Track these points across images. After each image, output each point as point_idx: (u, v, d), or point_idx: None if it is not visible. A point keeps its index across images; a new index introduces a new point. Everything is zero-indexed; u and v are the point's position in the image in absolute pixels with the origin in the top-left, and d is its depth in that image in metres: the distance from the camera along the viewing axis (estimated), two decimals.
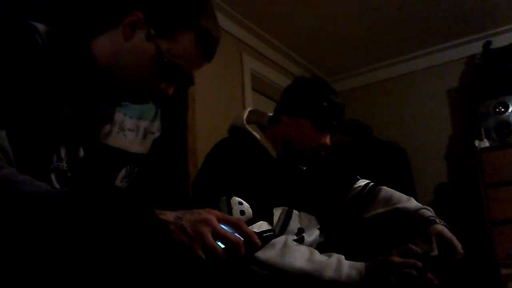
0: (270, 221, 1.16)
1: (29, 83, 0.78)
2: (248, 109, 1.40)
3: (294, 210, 1.27)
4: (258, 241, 0.75)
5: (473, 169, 2.53)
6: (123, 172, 0.98)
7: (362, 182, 1.44)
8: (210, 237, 0.69)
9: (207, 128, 2.09)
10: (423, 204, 1.29)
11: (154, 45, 0.85)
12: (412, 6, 2.56)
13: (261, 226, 1.10)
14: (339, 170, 1.48)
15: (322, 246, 1.30)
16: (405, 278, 1.00)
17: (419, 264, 1.01)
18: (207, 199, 1.16)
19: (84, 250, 0.56)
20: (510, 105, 2.53)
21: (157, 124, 1.09)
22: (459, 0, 2.53)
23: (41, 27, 0.84)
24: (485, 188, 2.39)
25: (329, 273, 1.03)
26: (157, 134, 1.09)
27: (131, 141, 1.00)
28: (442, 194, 2.98)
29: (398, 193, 1.37)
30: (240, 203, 1.10)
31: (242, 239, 0.73)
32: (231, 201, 1.11)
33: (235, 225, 0.74)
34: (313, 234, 1.31)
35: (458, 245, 1.14)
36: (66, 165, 0.85)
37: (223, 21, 2.43)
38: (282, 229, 1.23)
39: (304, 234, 1.28)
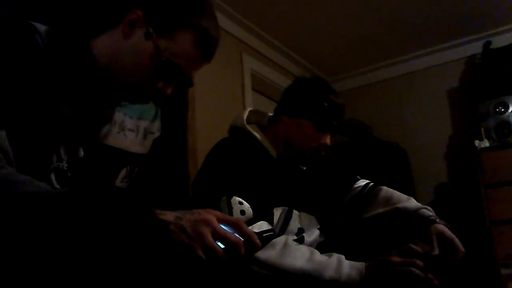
0: (270, 221, 1.16)
1: (29, 83, 0.78)
2: (248, 109, 1.40)
3: (294, 210, 1.27)
4: (258, 241, 0.75)
5: (473, 169, 2.53)
6: (123, 172, 0.98)
7: (362, 182, 1.44)
8: (210, 237, 0.69)
9: (207, 128, 2.09)
10: (423, 204, 1.29)
11: (152, 44, 0.84)
12: (412, 6, 2.56)
13: (261, 226, 1.10)
14: (339, 170, 1.48)
15: (322, 246, 1.30)
16: (405, 277, 0.99)
17: (420, 263, 1.01)
18: (208, 199, 1.16)
19: (84, 250, 0.56)
20: (510, 105, 2.53)
21: (157, 124, 1.09)
22: (459, 0, 2.53)
23: (41, 27, 0.84)
24: (485, 188, 2.39)
25: (329, 273, 1.03)
26: (157, 134, 1.09)
27: (131, 141, 1.00)
28: (442, 194, 2.98)
29: (398, 193, 1.37)
30: (241, 203, 1.10)
31: (242, 239, 0.73)
32: (231, 201, 1.11)
33: (235, 225, 0.74)
34: (313, 234, 1.31)
35: (459, 244, 1.14)
36: (66, 165, 0.85)
37: (223, 21, 2.43)
38: (282, 229, 1.23)
39: (304, 234, 1.28)
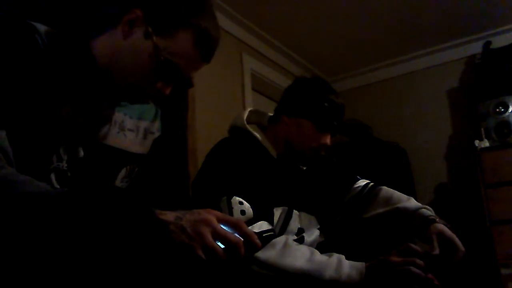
0: (270, 221, 1.16)
1: (29, 83, 0.78)
2: (249, 109, 1.40)
3: (294, 210, 1.27)
4: (258, 241, 0.75)
5: (473, 169, 2.53)
6: (123, 172, 0.98)
7: (362, 182, 1.44)
8: (210, 237, 0.69)
9: (207, 128, 2.09)
10: (423, 204, 1.29)
11: (152, 43, 0.84)
12: (412, 6, 2.56)
13: (262, 226, 1.10)
14: (339, 170, 1.48)
15: (322, 246, 1.30)
16: (405, 277, 0.99)
17: (420, 262, 1.01)
18: (208, 199, 1.16)
19: (84, 250, 0.56)
20: (510, 105, 2.53)
21: (157, 124, 1.09)
22: (459, 0, 2.53)
23: (41, 27, 0.84)
24: (485, 188, 2.39)
25: (330, 273, 1.03)
26: (157, 134, 1.08)
27: (131, 141, 1.00)
28: (442, 194, 2.98)
29: (398, 193, 1.37)
30: (241, 203, 1.10)
31: (242, 239, 0.73)
32: (231, 201, 1.11)
33: (235, 226, 0.74)
34: (313, 234, 1.31)
35: (459, 244, 1.14)
36: (66, 165, 0.85)
37: (223, 21, 2.43)
38: (282, 229, 1.23)
39: (304, 234, 1.28)
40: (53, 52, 0.82)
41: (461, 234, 1.18)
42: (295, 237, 1.25)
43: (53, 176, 0.83)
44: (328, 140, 1.31)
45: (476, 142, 2.52)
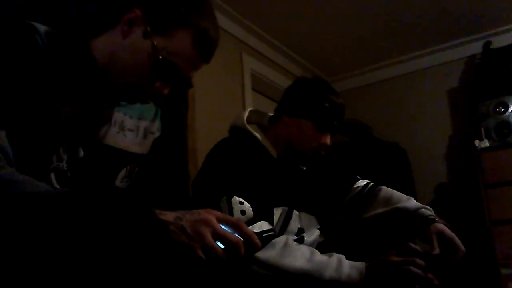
0: (270, 221, 1.16)
1: (29, 83, 0.78)
2: (249, 109, 1.40)
3: (294, 210, 1.27)
4: (258, 241, 0.75)
5: (473, 169, 2.53)
6: (123, 172, 0.98)
7: (362, 182, 1.44)
8: (210, 238, 0.69)
9: (207, 128, 2.09)
10: (423, 204, 1.29)
11: (150, 43, 0.84)
12: (412, 6, 2.56)
13: (262, 226, 1.10)
14: (339, 170, 1.48)
15: (322, 246, 1.30)
16: (405, 276, 0.99)
17: (420, 262, 1.01)
18: (208, 199, 1.16)
19: (84, 250, 0.56)
20: (510, 105, 2.53)
21: (157, 124, 1.09)
22: (459, 0, 2.53)
23: (41, 27, 0.84)
24: (485, 188, 2.39)
25: (330, 273, 1.03)
26: (157, 134, 1.08)
27: (131, 141, 1.00)
28: (442, 194, 2.98)
29: (398, 193, 1.37)
30: (241, 203, 1.10)
31: (242, 239, 0.73)
32: (231, 200, 1.11)
33: (235, 226, 0.74)
34: (313, 234, 1.31)
35: (459, 243, 1.14)
36: (66, 165, 0.85)
37: (223, 21, 2.43)
38: (282, 229, 1.23)
39: (304, 234, 1.28)
40: (53, 52, 0.82)
41: (461, 234, 1.18)
42: (295, 237, 1.25)
43: (53, 176, 0.83)
44: (328, 140, 1.31)
45: (476, 142, 2.51)
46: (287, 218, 1.25)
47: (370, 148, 2.91)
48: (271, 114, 1.40)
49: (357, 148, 2.92)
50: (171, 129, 1.29)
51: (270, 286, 1.05)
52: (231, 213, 1.09)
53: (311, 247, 1.14)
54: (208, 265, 0.67)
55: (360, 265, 1.05)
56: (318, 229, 1.34)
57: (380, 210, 1.35)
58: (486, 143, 2.50)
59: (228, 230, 0.72)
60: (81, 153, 0.87)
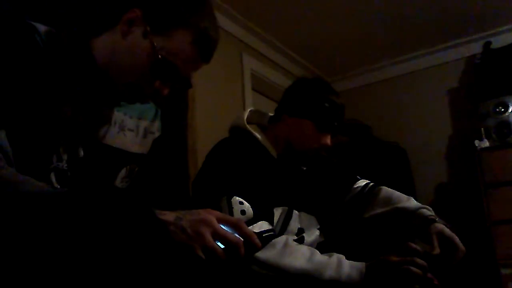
0: (270, 221, 1.16)
1: (29, 83, 0.78)
2: (249, 109, 1.40)
3: (294, 210, 1.27)
4: (258, 241, 0.75)
5: (473, 169, 2.53)
6: (123, 172, 0.98)
7: (362, 182, 1.44)
8: (209, 238, 0.69)
9: (207, 128, 2.09)
10: (423, 204, 1.29)
11: (150, 42, 0.84)
12: (412, 6, 2.56)
13: (262, 226, 1.10)
14: (339, 170, 1.48)
15: (322, 246, 1.30)
16: (405, 276, 0.99)
17: (420, 261, 1.01)
18: (208, 199, 1.16)
19: (84, 250, 0.56)
20: (510, 105, 2.53)
21: (157, 124, 1.09)
22: (459, 0, 2.53)
23: (41, 27, 0.84)
24: (485, 188, 2.39)
25: (330, 273, 1.03)
26: (157, 134, 1.08)
27: (131, 141, 1.00)
28: (442, 194, 2.98)
29: (398, 193, 1.37)
30: (241, 203, 1.10)
31: (242, 239, 0.72)
32: (231, 200, 1.11)
33: (235, 226, 0.74)
34: (313, 234, 1.31)
35: (459, 243, 1.14)
36: (66, 165, 0.85)
37: (223, 21, 2.43)
38: (282, 229, 1.23)
39: (304, 234, 1.28)
40: (53, 52, 0.82)
41: (461, 234, 1.18)
42: (295, 237, 1.25)
43: (53, 176, 0.83)
44: (328, 140, 1.31)
45: (476, 142, 2.51)
46: (287, 218, 1.25)
47: (370, 148, 2.91)
48: (271, 114, 1.40)
49: (357, 148, 2.92)
50: (171, 129, 1.29)
51: (270, 286, 1.05)
52: (231, 213, 1.09)
53: (311, 247, 1.14)
54: (208, 265, 0.67)
55: (360, 265, 1.05)
56: (318, 229, 1.34)
57: (380, 210, 1.35)
58: (486, 143, 2.50)
59: (228, 230, 0.72)
60: (81, 153, 0.87)
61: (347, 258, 1.07)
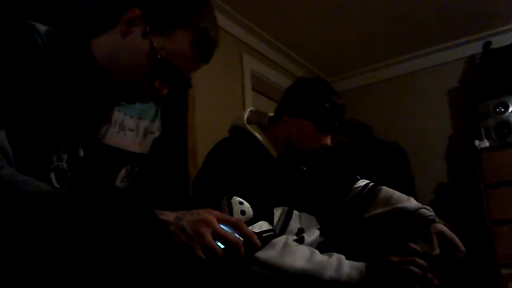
0: (270, 221, 1.16)
1: (29, 83, 0.78)
2: (249, 109, 1.40)
3: (294, 210, 1.27)
4: (258, 241, 0.75)
5: (473, 169, 2.53)
6: (123, 172, 0.98)
7: (362, 182, 1.44)
8: (209, 238, 0.69)
9: (207, 128, 2.09)
10: (423, 204, 1.29)
11: (149, 42, 0.84)
12: (412, 6, 2.56)
13: (262, 226, 1.10)
14: (339, 170, 1.48)
15: (322, 246, 1.30)
16: (405, 276, 0.99)
17: (421, 261, 1.01)
18: (208, 199, 1.16)
19: (84, 250, 0.56)
20: (510, 105, 2.53)
21: (157, 124, 1.09)
22: (459, 0, 2.53)
23: (41, 27, 0.84)
24: (485, 188, 2.39)
25: (330, 273, 1.03)
26: (157, 134, 1.08)
27: (131, 140, 1.00)
28: (442, 194, 2.98)
29: (398, 193, 1.37)
30: (241, 203, 1.10)
31: (242, 239, 0.73)
32: (231, 200, 1.11)
33: (235, 226, 0.74)
34: (313, 234, 1.31)
35: (459, 243, 1.14)
36: (66, 164, 0.85)
37: (223, 21, 2.43)
38: (282, 229, 1.23)
39: (304, 234, 1.28)
40: (53, 52, 0.82)
41: (461, 234, 1.18)
42: (295, 237, 1.25)
43: (53, 176, 0.83)
44: (328, 141, 1.31)
45: (476, 142, 2.51)
46: (287, 218, 1.25)
47: (370, 148, 2.91)
48: (271, 114, 1.40)
49: (357, 148, 2.92)
50: (171, 129, 1.29)
51: (270, 286, 1.05)
52: (231, 213, 1.09)
53: (311, 247, 1.14)
54: (208, 265, 0.67)
55: (360, 265, 1.05)
56: (318, 229, 1.34)
57: (380, 210, 1.35)
58: (486, 143, 2.50)
59: (228, 230, 0.72)
60: (81, 153, 0.87)
61: (347, 258, 1.07)
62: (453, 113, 3.05)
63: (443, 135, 3.05)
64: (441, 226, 1.18)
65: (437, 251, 1.11)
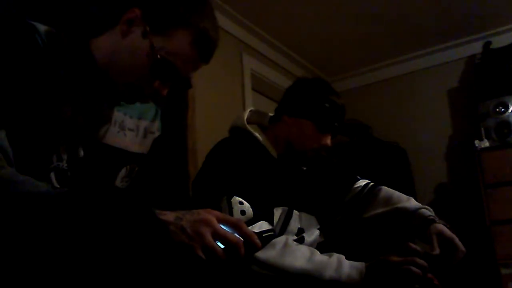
0: (270, 221, 1.16)
1: (29, 83, 0.78)
2: (249, 109, 1.40)
3: (294, 210, 1.27)
4: (258, 241, 0.75)
5: (473, 169, 2.53)
6: (123, 171, 0.98)
7: (362, 182, 1.44)
8: (209, 238, 0.69)
9: (207, 128, 2.09)
10: (423, 204, 1.29)
11: (149, 42, 0.84)
12: (412, 6, 2.56)
13: (262, 226, 1.10)
14: (339, 170, 1.48)
15: (322, 246, 1.30)
16: (405, 276, 1.00)
17: (421, 261, 1.01)
18: (208, 199, 1.16)
19: (84, 250, 0.56)
20: (510, 105, 2.53)
21: (157, 124, 1.09)
22: (459, 0, 2.53)
23: (41, 27, 0.84)
24: (485, 188, 2.39)
25: (330, 273, 1.03)
26: (157, 134, 1.08)
27: (131, 140, 1.00)
28: (442, 194, 2.98)
29: (398, 193, 1.37)
30: (241, 203, 1.10)
31: (242, 239, 0.73)
32: (231, 200, 1.11)
33: (235, 226, 0.74)
34: (313, 234, 1.31)
35: (459, 244, 1.14)
36: (66, 164, 0.85)
37: (223, 21, 2.43)
38: (282, 229, 1.23)
39: (304, 234, 1.28)
40: (53, 52, 0.82)
41: (461, 234, 1.18)
42: (295, 237, 1.25)
43: (53, 176, 0.83)
44: (328, 141, 1.31)
45: (476, 142, 2.51)
46: (287, 218, 1.25)
47: (370, 148, 2.91)
48: (271, 114, 1.40)
49: (357, 148, 2.92)
50: (171, 129, 1.29)
51: (270, 286, 1.05)
52: (231, 213, 1.09)
53: (311, 247, 1.14)
54: (208, 265, 0.67)
55: (360, 265, 1.05)
56: (318, 229, 1.34)
57: (380, 210, 1.35)
58: (486, 143, 2.50)
59: (228, 230, 0.72)
60: (81, 153, 0.87)
61: (347, 258, 1.07)
62: (453, 113, 3.05)
63: (443, 135, 3.05)
64: (441, 226, 1.18)
65: (437, 251, 1.11)
